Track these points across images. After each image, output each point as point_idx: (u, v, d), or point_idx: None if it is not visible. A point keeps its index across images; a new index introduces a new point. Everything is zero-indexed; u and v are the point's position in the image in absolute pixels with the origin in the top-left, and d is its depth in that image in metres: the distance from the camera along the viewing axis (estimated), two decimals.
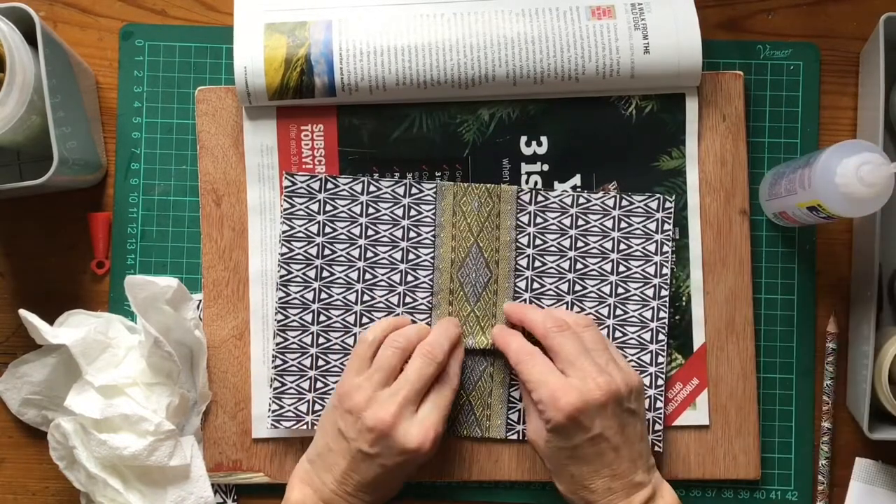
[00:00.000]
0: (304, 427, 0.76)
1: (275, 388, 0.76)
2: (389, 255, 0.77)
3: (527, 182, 0.78)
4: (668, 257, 0.77)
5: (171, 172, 0.79)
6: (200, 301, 0.78)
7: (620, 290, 0.77)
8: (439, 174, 0.78)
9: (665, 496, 0.70)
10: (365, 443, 0.69)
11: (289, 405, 0.76)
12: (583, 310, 0.77)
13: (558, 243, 0.77)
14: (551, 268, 0.77)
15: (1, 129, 0.67)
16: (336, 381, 0.76)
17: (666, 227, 0.77)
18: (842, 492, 0.79)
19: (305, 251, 0.77)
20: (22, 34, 0.69)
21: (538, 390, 0.69)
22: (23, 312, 0.73)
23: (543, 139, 0.78)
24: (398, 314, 0.77)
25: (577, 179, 0.78)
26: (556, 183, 0.78)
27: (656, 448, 0.76)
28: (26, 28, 0.70)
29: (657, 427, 0.76)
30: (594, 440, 0.68)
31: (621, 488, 0.68)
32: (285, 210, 0.77)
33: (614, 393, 0.68)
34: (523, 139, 0.78)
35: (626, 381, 0.70)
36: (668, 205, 0.77)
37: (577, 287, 0.77)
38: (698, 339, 0.78)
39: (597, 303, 0.77)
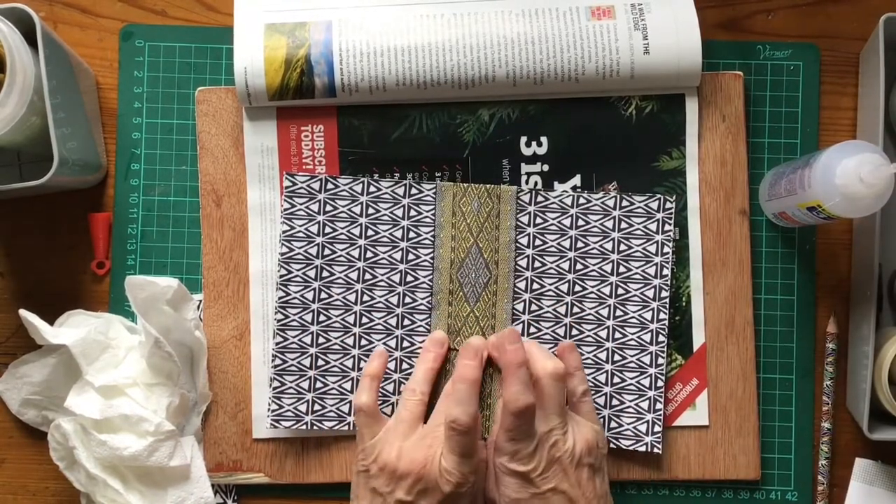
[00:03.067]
0: (304, 427, 0.76)
1: (274, 388, 0.76)
2: (389, 256, 0.77)
3: (527, 182, 0.78)
4: (668, 258, 0.77)
5: (171, 173, 0.79)
6: (201, 301, 0.78)
7: (620, 291, 0.77)
8: (439, 174, 0.78)
9: None
10: (402, 491, 0.68)
11: (288, 405, 0.76)
12: (583, 310, 0.77)
13: (558, 244, 0.77)
14: (551, 268, 0.77)
15: (1, 130, 0.67)
16: (336, 381, 0.76)
17: (666, 227, 0.77)
18: (842, 492, 0.79)
19: (305, 251, 0.77)
20: (22, 34, 0.69)
21: (501, 440, 0.68)
22: (23, 312, 0.73)
23: (543, 139, 0.78)
24: (397, 314, 0.77)
25: (577, 180, 0.78)
26: (556, 183, 0.78)
27: (655, 450, 0.76)
28: (26, 28, 0.70)
29: (657, 428, 0.76)
30: (549, 492, 0.67)
31: None
32: (285, 210, 0.77)
33: (567, 450, 0.68)
34: (523, 139, 0.78)
35: (584, 437, 0.69)
36: (668, 205, 0.77)
37: (577, 288, 0.77)
38: (698, 339, 0.78)
39: (597, 304, 0.77)
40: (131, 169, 0.80)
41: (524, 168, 0.78)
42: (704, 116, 0.78)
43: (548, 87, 0.76)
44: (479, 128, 0.78)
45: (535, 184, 0.78)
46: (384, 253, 0.77)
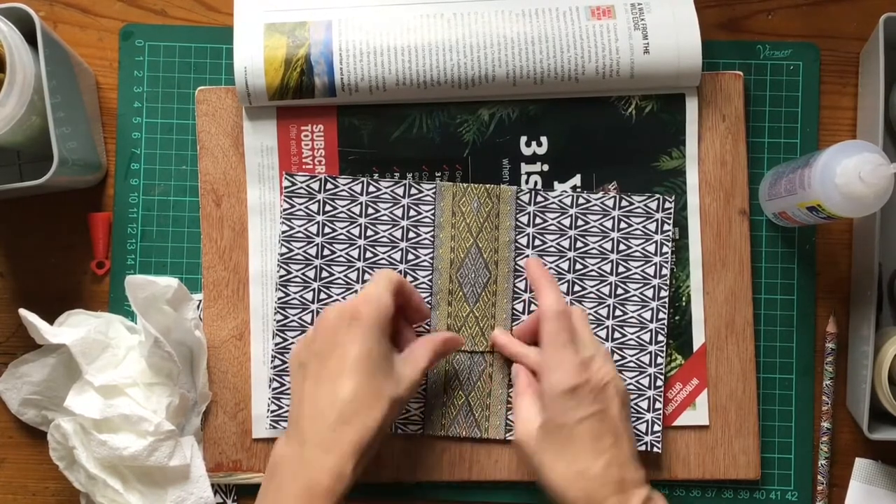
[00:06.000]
0: None
1: (273, 389, 0.76)
2: (389, 256, 0.77)
3: (527, 182, 0.78)
4: (667, 258, 0.77)
5: (171, 172, 0.79)
6: (200, 301, 0.78)
7: (620, 291, 0.77)
8: (439, 174, 0.78)
9: (657, 498, 0.67)
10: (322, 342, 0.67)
11: (287, 406, 0.76)
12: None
13: (558, 244, 0.77)
14: (550, 268, 0.77)
15: (1, 130, 0.67)
16: None
17: (665, 227, 0.77)
18: (841, 492, 0.79)
19: (305, 251, 0.77)
20: (22, 34, 0.69)
21: (548, 355, 0.68)
22: (23, 312, 0.73)
23: (543, 139, 0.78)
24: None
25: (577, 180, 0.78)
26: (556, 183, 0.78)
27: (655, 449, 0.76)
28: (26, 28, 0.70)
29: (656, 427, 0.76)
30: (600, 414, 0.66)
31: (618, 477, 0.66)
32: (285, 210, 0.77)
33: (618, 381, 0.68)
34: (523, 139, 0.78)
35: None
36: (667, 205, 0.77)
37: (577, 288, 0.77)
38: (698, 339, 0.78)
39: (596, 303, 0.77)
40: (131, 169, 0.80)
41: (524, 168, 0.78)
42: (704, 116, 0.78)
43: (548, 87, 0.76)
44: (479, 128, 0.78)
45: (535, 184, 0.78)
46: (384, 253, 0.77)
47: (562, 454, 0.67)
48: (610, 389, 0.67)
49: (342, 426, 0.65)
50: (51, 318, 0.75)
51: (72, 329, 0.74)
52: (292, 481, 0.64)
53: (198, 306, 0.78)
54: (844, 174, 0.66)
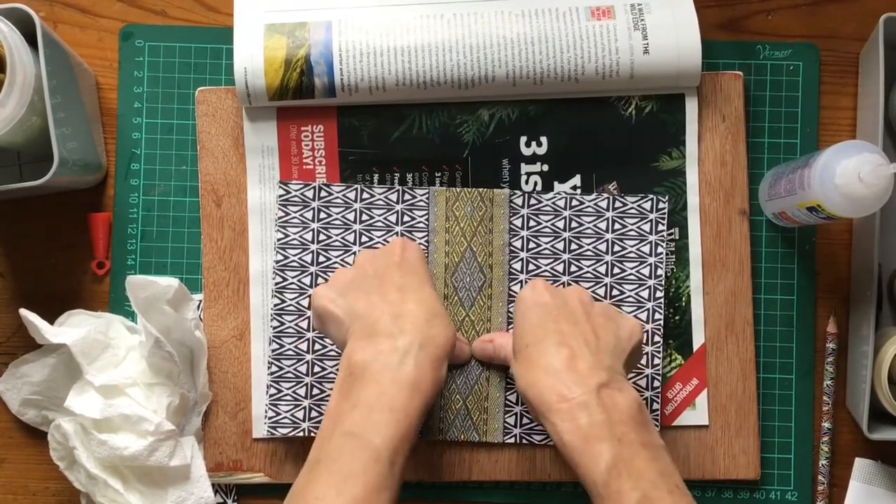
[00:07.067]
0: (301, 433, 0.76)
1: (271, 395, 0.76)
2: None
3: (526, 183, 0.78)
4: (662, 259, 0.77)
5: (171, 173, 0.80)
6: (201, 301, 0.78)
7: (615, 293, 0.77)
8: (439, 175, 0.78)
9: (625, 390, 0.62)
10: (396, 254, 0.69)
11: (285, 412, 0.76)
12: None
13: (552, 246, 0.77)
14: (545, 271, 0.77)
15: (1, 130, 0.67)
16: (332, 388, 0.76)
17: (660, 227, 0.77)
18: (841, 492, 0.79)
19: (300, 258, 0.77)
20: (22, 35, 0.69)
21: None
22: (23, 312, 0.73)
23: (543, 139, 0.78)
24: None
25: (576, 180, 0.78)
26: (555, 183, 0.78)
27: None
28: (26, 29, 0.70)
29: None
30: (559, 304, 0.66)
31: (567, 355, 0.63)
32: (279, 218, 0.77)
33: (583, 292, 0.68)
34: (523, 139, 0.78)
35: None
36: (661, 205, 0.77)
37: None
38: (698, 339, 0.78)
39: None
40: (131, 169, 0.80)
41: (524, 168, 0.78)
42: (704, 116, 0.78)
43: (547, 88, 0.76)
44: (479, 128, 0.78)
45: (535, 184, 0.78)
46: None
47: (528, 357, 0.65)
48: (570, 291, 0.68)
49: (434, 319, 0.65)
50: (51, 318, 0.75)
51: (72, 329, 0.74)
52: (392, 379, 0.62)
53: (198, 306, 0.78)
54: (844, 174, 0.66)
